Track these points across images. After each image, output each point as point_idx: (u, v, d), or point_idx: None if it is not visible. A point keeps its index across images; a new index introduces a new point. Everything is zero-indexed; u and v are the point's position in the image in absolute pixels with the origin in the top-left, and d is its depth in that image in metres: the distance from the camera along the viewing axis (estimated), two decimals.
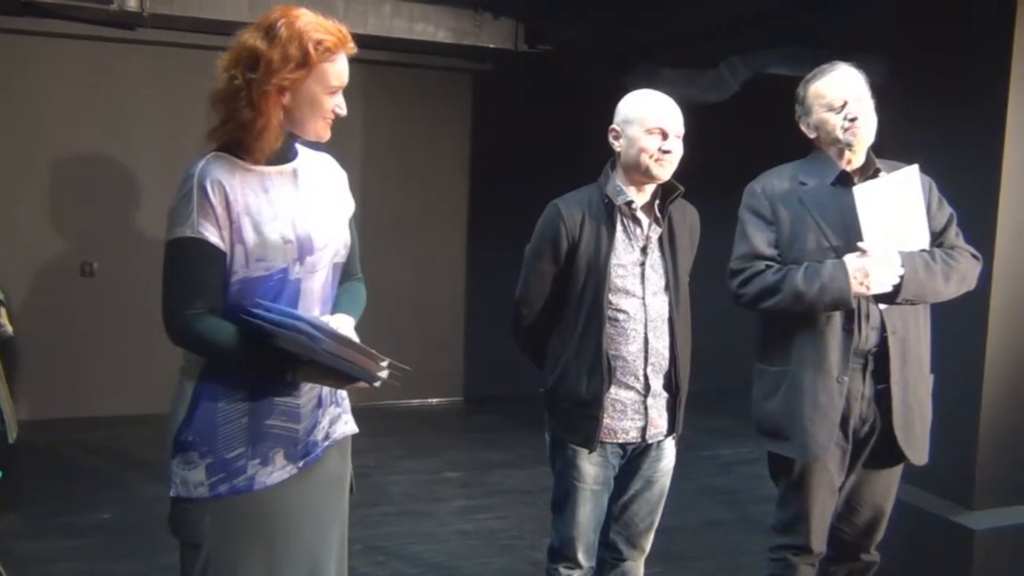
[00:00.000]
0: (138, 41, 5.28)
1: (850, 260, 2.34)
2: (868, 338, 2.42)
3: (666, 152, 2.29)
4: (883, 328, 2.41)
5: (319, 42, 1.78)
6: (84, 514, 4.03)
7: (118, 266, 5.42)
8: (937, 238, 2.48)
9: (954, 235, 2.51)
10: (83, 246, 5.43)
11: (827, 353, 2.41)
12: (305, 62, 1.77)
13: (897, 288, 2.34)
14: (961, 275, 2.45)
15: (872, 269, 2.32)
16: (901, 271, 2.33)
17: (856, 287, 2.32)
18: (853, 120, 2.40)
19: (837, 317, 2.41)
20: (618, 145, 2.35)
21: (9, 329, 1.60)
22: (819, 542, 2.56)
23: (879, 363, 2.43)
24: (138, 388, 5.35)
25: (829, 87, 2.44)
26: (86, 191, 5.42)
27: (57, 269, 5.40)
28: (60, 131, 5.31)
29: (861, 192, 2.35)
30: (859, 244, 2.35)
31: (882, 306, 2.40)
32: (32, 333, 5.33)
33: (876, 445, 2.47)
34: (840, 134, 2.43)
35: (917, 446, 2.48)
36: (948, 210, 2.52)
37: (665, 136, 2.30)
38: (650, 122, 2.30)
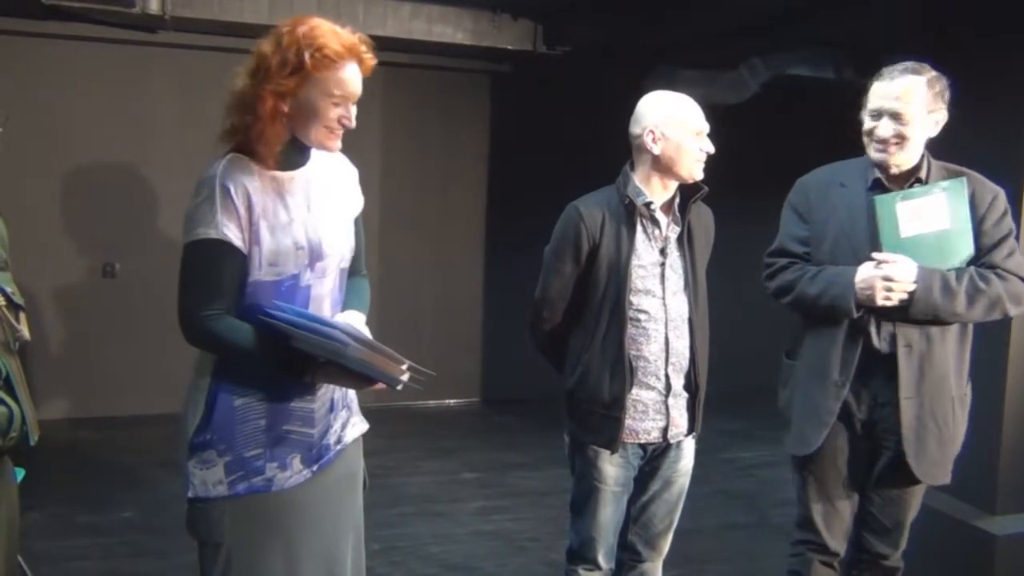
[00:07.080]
0: (160, 44, 5.32)
1: (862, 270, 2.32)
2: (880, 348, 2.38)
3: (708, 152, 2.32)
4: (895, 340, 2.36)
5: (318, 48, 1.76)
6: (106, 513, 4.06)
7: (139, 267, 5.47)
8: (982, 256, 2.36)
9: (1003, 256, 2.35)
10: (105, 248, 5.48)
11: (830, 355, 2.41)
12: (300, 68, 1.75)
13: (907, 304, 2.29)
14: (991, 300, 2.31)
15: (879, 282, 2.28)
16: (911, 287, 2.28)
17: (861, 298, 2.30)
18: (880, 142, 2.33)
19: (847, 321, 2.37)
20: (657, 147, 2.31)
21: (26, 334, 1.62)
22: (835, 541, 2.55)
23: (892, 375, 2.38)
24: (159, 387, 5.38)
25: (873, 94, 2.34)
26: (108, 193, 5.46)
27: (79, 270, 5.45)
28: (83, 134, 5.36)
29: (882, 203, 2.32)
30: (873, 255, 2.32)
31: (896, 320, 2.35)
32: (55, 333, 5.39)
33: (894, 457, 2.42)
34: (868, 148, 2.38)
35: (930, 466, 2.40)
36: (1007, 228, 2.37)
37: (703, 137, 2.32)
38: (695, 124, 2.31)
